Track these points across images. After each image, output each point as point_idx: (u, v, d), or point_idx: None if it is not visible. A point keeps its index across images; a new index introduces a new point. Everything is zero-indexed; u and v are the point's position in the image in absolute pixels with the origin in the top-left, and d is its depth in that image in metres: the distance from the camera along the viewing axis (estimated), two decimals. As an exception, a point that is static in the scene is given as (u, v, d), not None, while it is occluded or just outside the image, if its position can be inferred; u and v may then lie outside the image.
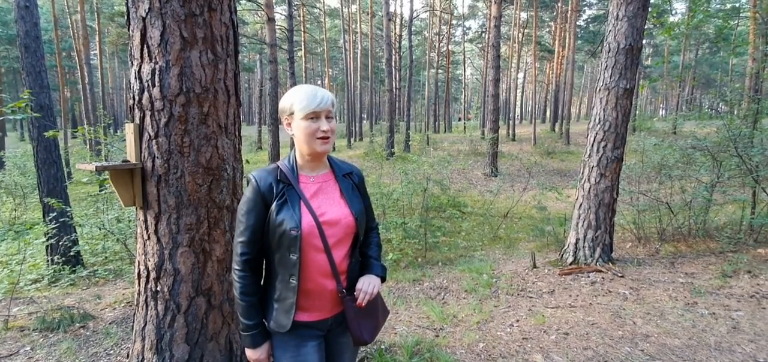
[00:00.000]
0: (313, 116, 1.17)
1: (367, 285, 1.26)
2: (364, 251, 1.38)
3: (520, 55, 29.30)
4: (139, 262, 1.94)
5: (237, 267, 1.21)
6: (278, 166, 1.24)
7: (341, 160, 1.39)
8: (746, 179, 5.07)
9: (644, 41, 4.86)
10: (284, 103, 1.22)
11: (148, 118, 1.80)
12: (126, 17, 1.83)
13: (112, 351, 2.64)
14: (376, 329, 1.34)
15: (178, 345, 1.89)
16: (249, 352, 1.24)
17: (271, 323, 1.25)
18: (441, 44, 31.61)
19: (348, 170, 1.35)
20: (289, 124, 1.22)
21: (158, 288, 1.88)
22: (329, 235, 1.21)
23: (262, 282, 1.29)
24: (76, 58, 20.85)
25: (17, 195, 9.89)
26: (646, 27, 4.25)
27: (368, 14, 28.80)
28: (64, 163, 5.60)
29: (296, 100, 1.18)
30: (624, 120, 4.28)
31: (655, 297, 3.56)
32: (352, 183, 1.34)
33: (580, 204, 4.52)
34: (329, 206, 1.25)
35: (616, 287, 3.83)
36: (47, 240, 4.61)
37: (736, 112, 6.92)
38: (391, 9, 19.99)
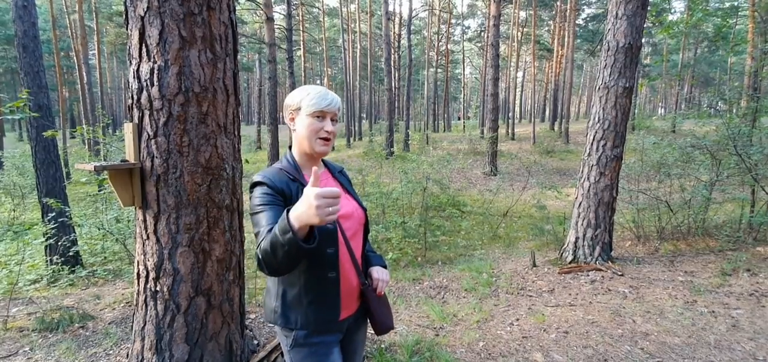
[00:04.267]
0: (320, 115, 1.17)
1: (381, 274, 1.30)
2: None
3: (519, 54, 29.29)
4: (138, 262, 1.94)
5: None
6: (281, 168, 1.21)
7: (329, 160, 1.44)
8: (745, 177, 5.07)
9: (643, 40, 4.86)
10: (293, 97, 1.21)
11: (146, 118, 1.80)
12: (124, 16, 1.83)
13: (111, 351, 2.63)
14: (392, 316, 1.38)
15: (177, 345, 1.89)
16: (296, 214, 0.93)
17: (311, 326, 1.17)
18: (440, 43, 31.57)
19: (339, 169, 1.42)
20: (293, 119, 1.21)
21: (158, 288, 1.87)
22: (346, 228, 1.23)
23: (279, 288, 1.21)
24: (75, 58, 20.80)
25: (16, 196, 9.87)
26: (645, 26, 4.25)
27: (367, 13, 28.76)
28: (62, 163, 5.58)
29: (306, 96, 1.18)
30: (623, 118, 4.28)
31: (654, 295, 3.56)
32: (346, 179, 1.40)
33: (580, 203, 4.52)
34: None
35: (615, 285, 3.83)
36: (46, 240, 4.59)
37: (734, 111, 6.93)
38: (390, 8, 19.97)
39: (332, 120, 1.19)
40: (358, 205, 1.30)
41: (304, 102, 1.18)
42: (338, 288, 1.19)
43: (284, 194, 1.13)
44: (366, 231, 1.33)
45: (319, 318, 1.18)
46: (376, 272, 1.30)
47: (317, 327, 1.18)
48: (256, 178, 1.16)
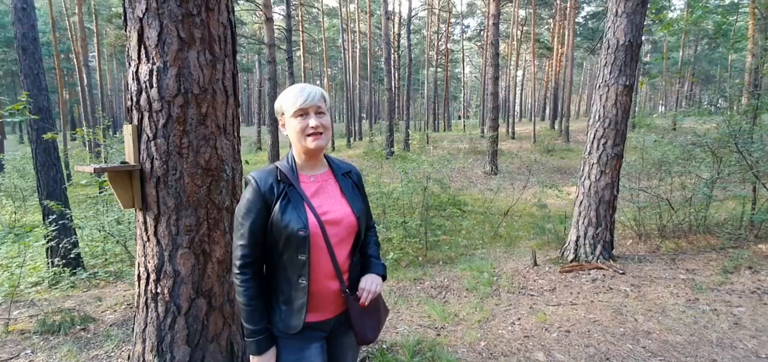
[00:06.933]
0: (302, 113, 1.17)
1: (370, 284, 1.26)
2: (364, 250, 1.38)
3: (519, 52, 29.27)
4: (139, 264, 1.94)
5: (238, 272, 1.18)
6: (277, 167, 1.23)
7: (339, 160, 1.39)
8: (746, 175, 5.06)
9: (643, 37, 4.85)
10: (276, 105, 1.23)
11: (146, 120, 1.79)
12: (123, 18, 1.82)
13: (113, 354, 2.63)
14: (379, 327, 1.34)
15: (178, 347, 1.88)
16: (254, 359, 1.20)
17: (279, 325, 1.22)
18: (440, 43, 31.57)
19: (346, 169, 1.36)
20: (284, 125, 1.24)
21: (158, 290, 1.87)
22: (331, 234, 1.20)
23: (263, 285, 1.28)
24: (75, 60, 20.82)
25: (17, 198, 9.87)
26: (645, 23, 4.24)
27: (367, 13, 28.74)
28: (63, 166, 5.58)
29: (285, 100, 1.20)
30: (624, 117, 4.27)
31: (656, 293, 3.56)
32: (351, 182, 1.34)
33: (581, 202, 4.51)
34: (331, 205, 1.24)
35: (617, 284, 3.82)
36: (47, 242, 4.59)
37: (735, 108, 6.91)
38: (390, 8, 19.96)
39: (316, 113, 1.18)
40: (350, 212, 1.24)
41: (286, 105, 1.19)
42: (307, 294, 1.19)
43: (265, 200, 1.17)
44: (358, 238, 1.28)
45: (285, 320, 1.22)
46: (364, 282, 1.26)
47: (285, 326, 1.22)
48: (249, 175, 1.22)
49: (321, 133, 1.18)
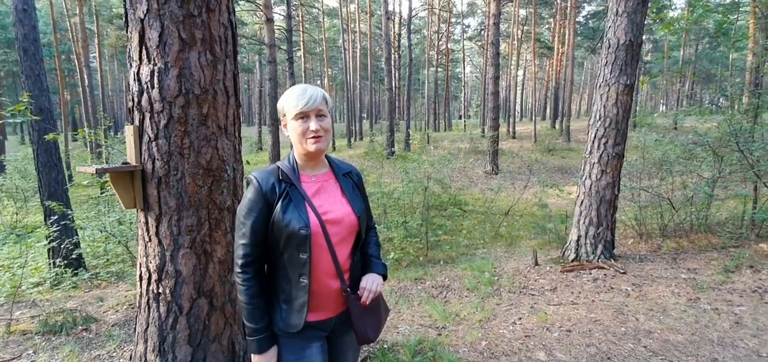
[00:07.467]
0: (303, 116, 1.17)
1: (371, 284, 1.26)
2: (365, 250, 1.38)
3: (519, 52, 29.26)
4: (140, 264, 1.94)
5: (239, 271, 1.19)
6: (278, 167, 1.24)
7: (340, 160, 1.39)
8: (747, 174, 5.05)
9: (644, 37, 4.84)
10: (279, 104, 1.24)
11: (147, 120, 1.80)
12: (124, 19, 1.83)
13: (114, 354, 2.64)
14: (380, 327, 1.35)
15: (180, 347, 1.89)
16: (256, 358, 1.20)
17: (280, 324, 1.23)
18: (440, 42, 31.58)
19: (347, 169, 1.36)
20: (285, 125, 1.24)
21: (160, 290, 1.87)
22: (332, 234, 1.21)
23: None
24: (76, 61, 20.83)
25: (18, 199, 9.89)
26: (645, 22, 4.23)
27: (367, 13, 28.75)
28: (64, 166, 5.60)
29: (287, 101, 1.20)
30: (624, 116, 4.27)
31: (657, 293, 3.55)
32: (352, 182, 1.34)
33: (582, 201, 4.51)
34: (331, 205, 1.25)
35: (618, 283, 3.82)
36: (49, 243, 4.60)
37: (736, 107, 6.90)
38: (390, 8, 19.97)
39: (317, 116, 1.18)
40: (350, 211, 1.26)
41: (287, 107, 1.20)
42: (308, 293, 1.20)
43: (267, 200, 1.18)
44: (359, 237, 1.29)
45: (285, 319, 1.22)
46: (365, 281, 1.27)
47: (286, 325, 1.22)
48: (251, 175, 1.23)
49: (321, 137, 1.19)
